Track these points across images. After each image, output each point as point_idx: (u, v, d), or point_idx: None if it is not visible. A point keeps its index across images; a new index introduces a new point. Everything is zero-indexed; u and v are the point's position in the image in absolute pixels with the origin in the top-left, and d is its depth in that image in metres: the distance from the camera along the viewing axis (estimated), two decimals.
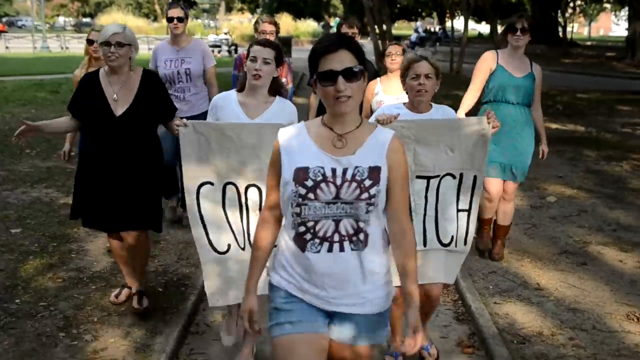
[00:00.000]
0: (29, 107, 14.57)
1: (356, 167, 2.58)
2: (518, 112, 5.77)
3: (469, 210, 4.02)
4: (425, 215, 3.93)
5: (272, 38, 6.18)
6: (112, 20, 52.81)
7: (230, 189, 3.88)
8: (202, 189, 3.88)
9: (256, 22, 6.64)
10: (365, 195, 2.56)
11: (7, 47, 37.01)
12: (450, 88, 15.64)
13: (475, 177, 3.95)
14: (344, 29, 6.42)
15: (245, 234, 3.92)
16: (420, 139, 3.81)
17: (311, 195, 2.55)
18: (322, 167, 2.58)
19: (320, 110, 5.68)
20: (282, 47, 4.33)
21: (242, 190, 3.88)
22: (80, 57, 6.62)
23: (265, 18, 6.68)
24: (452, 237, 3.99)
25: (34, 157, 9.89)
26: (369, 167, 2.59)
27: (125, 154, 4.50)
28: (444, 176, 3.91)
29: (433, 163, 3.86)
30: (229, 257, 3.92)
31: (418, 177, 3.87)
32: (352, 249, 2.60)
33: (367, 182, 2.57)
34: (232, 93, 4.21)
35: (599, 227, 7.20)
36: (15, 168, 9.16)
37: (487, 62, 5.85)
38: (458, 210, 3.99)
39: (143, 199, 4.64)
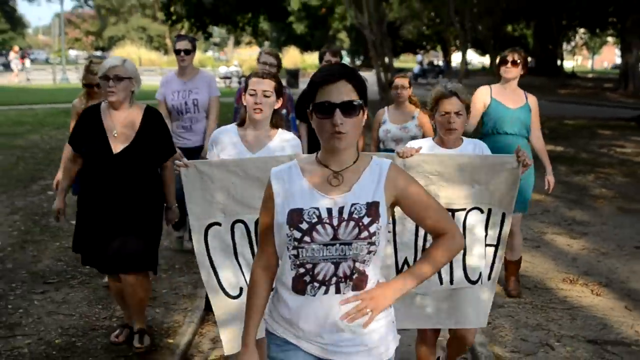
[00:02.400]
0: (62, 130, 16.05)
1: (353, 204, 2.42)
2: (516, 143, 5.40)
3: (496, 246, 3.81)
4: None
5: (272, 70, 6.05)
6: (126, 53, 54.54)
7: (239, 228, 3.72)
8: (210, 231, 3.71)
9: (259, 54, 6.64)
10: (364, 234, 2.39)
11: (28, 79, 38.92)
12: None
13: (503, 215, 3.76)
14: (327, 57, 6.37)
15: None
16: (444, 174, 3.66)
17: (307, 239, 2.39)
18: (317, 208, 2.42)
19: (311, 140, 6.17)
20: (281, 79, 4.23)
21: (251, 227, 3.70)
22: None
23: (267, 50, 6.71)
24: (480, 273, 3.78)
25: None
26: (367, 204, 2.42)
27: (122, 192, 4.42)
28: (470, 210, 3.72)
29: (457, 195, 3.69)
30: (242, 300, 3.60)
31: None
32: (344, 293, 2.44)
33: (366, 220, 2.40)
34: (232, 127, 4.09)
35: (557, 222, 8.61)
36: None
37: (481, 96, 5.86)
38: (486, 245, 3.80)
39: (141, 239, 4.53)
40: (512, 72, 5.77)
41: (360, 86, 2.42)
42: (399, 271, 3.68)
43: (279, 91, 4.01)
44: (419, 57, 62.29)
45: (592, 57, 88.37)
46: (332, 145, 2.40)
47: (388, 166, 2.51)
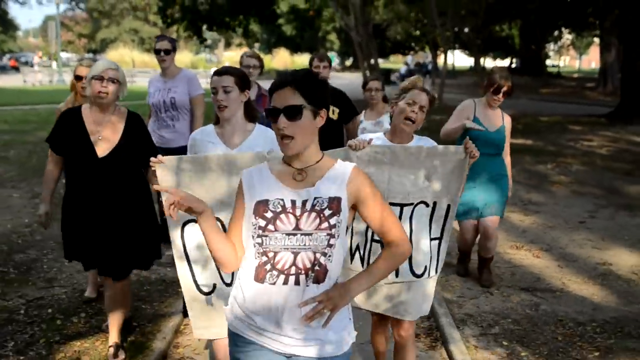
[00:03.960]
0: None
1: (315, 197, 2.56)
2: (490, 161, 6.02)
3: (440, 238, 3.85)
4: None
5: (255, 72, 6.33)
6: (119, 55, 55.58)
7: None
8: (187, 228, 3.71)
9: (241, 57, 6.64)
10: (325, 224, 2.53)
11: (24, 81, 39.92)
12: (432, 114, 18.59)
13: (449, 206, 3.82)
14: (315, 62, 6.56)
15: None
16: (396, 165, 3.69)
17: (271, 227, 2.54)
18: (282, 199, 2.57)
19: None
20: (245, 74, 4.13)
21: (227, 225, 3.46)
22: None
23: (249, 52, 6.74)
24: (425, 267, 3.82)
25: None
26: (329, 198, 2.57)
27: (108, 195, 4.45)
28: (417, 204, 3.75)
29: (408, 190, 3.72)
30: (214, 295, 3.78)
31: (391, 204, 3.69)
32: (307, 285, 2.54)
33: (327, 212, 2.55)
34: (210, 127, 4.08)
35: (514, 202, 9.75)
36: None
37: (466, 110, 6.10)
38: (431, 239, 3.82)
39: (129, 244, 4.56)
40: (501, 102, 6.06)
41: (309, 91, 2.55)
42: (352, 255, 3.82)
43: (243, 84, 3.97)
44: (409, 58, 63.51)
45: (580, 57, 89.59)
46: (282, 150, 2.59)
47: (351, 168, 2.66)
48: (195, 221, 3.57)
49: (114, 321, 4.73)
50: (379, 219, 2.67)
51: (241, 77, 3.98)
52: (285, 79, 2.56)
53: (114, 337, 4.73)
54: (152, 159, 3.64)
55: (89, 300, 5.73)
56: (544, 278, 6.55)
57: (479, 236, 6.46)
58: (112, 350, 4.67)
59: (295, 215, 2.55)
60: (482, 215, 6.23)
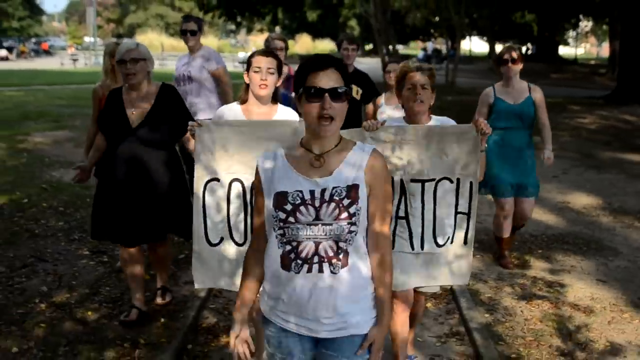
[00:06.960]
0: None
1: (334, 187, 2.54)
2: (520, 135, 6.26)
3: (468, 214, 3.98)
4: (423, 219, 3.91)
5: (282, 54, 6.26)
6: (148, 40, 57.69)
7: (235, 187, 3.92)
8: (209, 186, 3.93)
9: (266, 40, 6.74)
10: (344, 214, 2.52)
11: (62, 64, 42.23)
12: (444, 95, 20.89)
13: (471, 183, 3.92)
14: (345, 44, 6.72)
15: (245, 232, 3.98)
16: (410, 143, 3.80)
17: (291, 219, 2.54)
18: (301, 191, 2.55)
19: None
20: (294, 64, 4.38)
21: (247, 186, 3.88)
22: None
23: (275, 35, 6.84)
24: (448, 237, 3.97)
25: None
26: (347, 186, 2.54)
27: (142, 166, 4.65)
28: (440, 180, 3.88)
29: (426, 167, 3.84)
30: (219, 249, 3.99)
31: (412, 180, 3.86)
32: (331, 272, 2.56)
33: (346, 201, 2.53)
34: (236, 105, 4.25)
35: None
36: None
37: (486, 98, 6.26)
38: (457, 213, 3.96)
39: (163, 210, 4.75)
40: (514, 70, 6.10)
41: (345, 74, 2.57)
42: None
43: (280, 69, 4.19)
44: (429, 44, 64.73)
45: (599, 45, 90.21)
46: (318, 131, 2.55)
47: (370, 151, 2.63)
48: (217, 180, 3.93)
49: (159, 273, 5.35)
50: (379, 212, 2.66)
51: (280, 62, 4.23)
52: (326, 59, 2.58)
53: (159, 282, 5.35)
54: (190, 122, 3.95)
55: (120, 270, 5.92)
56: None
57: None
58: (159, 293, 5.32)
59: (314, 207, 2.55)
60: (518, 195, 6.42)
